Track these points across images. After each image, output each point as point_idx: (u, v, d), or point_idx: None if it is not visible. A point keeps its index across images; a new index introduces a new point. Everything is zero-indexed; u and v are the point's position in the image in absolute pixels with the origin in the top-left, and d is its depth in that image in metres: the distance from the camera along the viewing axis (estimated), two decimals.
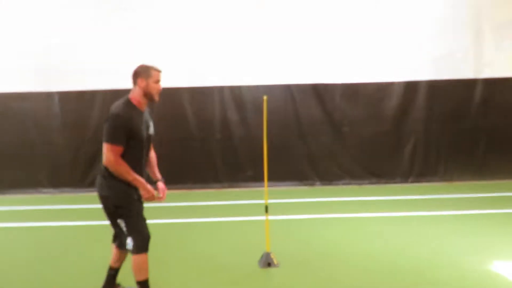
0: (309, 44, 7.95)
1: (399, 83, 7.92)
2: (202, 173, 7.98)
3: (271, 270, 3.59)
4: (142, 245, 2.70)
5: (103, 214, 2.83)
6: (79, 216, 5.93)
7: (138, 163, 2.72)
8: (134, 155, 2.66)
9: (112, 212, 2.72)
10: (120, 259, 2.99)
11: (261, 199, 6.97)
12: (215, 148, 7.98)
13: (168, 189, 3.01)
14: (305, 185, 8.01)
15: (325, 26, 7.93)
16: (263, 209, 3.81)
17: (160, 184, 2.98)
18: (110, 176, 2.64)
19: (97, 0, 7.94)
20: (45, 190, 7.93)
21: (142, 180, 2.68)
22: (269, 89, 7.97)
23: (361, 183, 7.98)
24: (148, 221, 2.81)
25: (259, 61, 7.96)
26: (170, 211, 6.05)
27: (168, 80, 7.93)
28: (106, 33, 7.95)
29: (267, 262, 3.68)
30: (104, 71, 7.94)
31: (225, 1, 7.93)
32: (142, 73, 2.71)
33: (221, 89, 7.97)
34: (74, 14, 7.94)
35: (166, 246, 4.36)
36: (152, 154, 3.01)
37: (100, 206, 2.78)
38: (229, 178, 8.01)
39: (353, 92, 7.98)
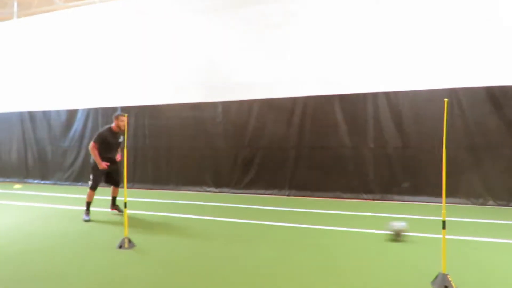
0: (481, 40, 6.93)
1: None
2: (353, 182, 7.73)
3: None
4: None
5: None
6: (236, 214, 6.42)
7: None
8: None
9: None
10: None
11: (420, 214, 6.32)
12: (368, 157, 7.65)
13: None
14: (473, 203, 6.95)
15: (501, 13, 6.80)
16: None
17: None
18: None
19: (248, 21, 8.65)
20: (208, 188, 8.92)
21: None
22: (430, 94, 7.25)
23: None
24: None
25: (417, 63, 7.33)
26: (319, 218, 6.00)
27: (319, 88, 8.06)
28: (259, 50, 8.55)
29: (443, 284, 3.25)
30: (259, 83, 8.51)
31: (377, 5, 7.60)
32: None
33: (375, 95, 7.62)
34: (233, 36, 8.81)
35: (309, 253, 4.30)
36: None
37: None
38: (382, 189, 7.55)
39: None
